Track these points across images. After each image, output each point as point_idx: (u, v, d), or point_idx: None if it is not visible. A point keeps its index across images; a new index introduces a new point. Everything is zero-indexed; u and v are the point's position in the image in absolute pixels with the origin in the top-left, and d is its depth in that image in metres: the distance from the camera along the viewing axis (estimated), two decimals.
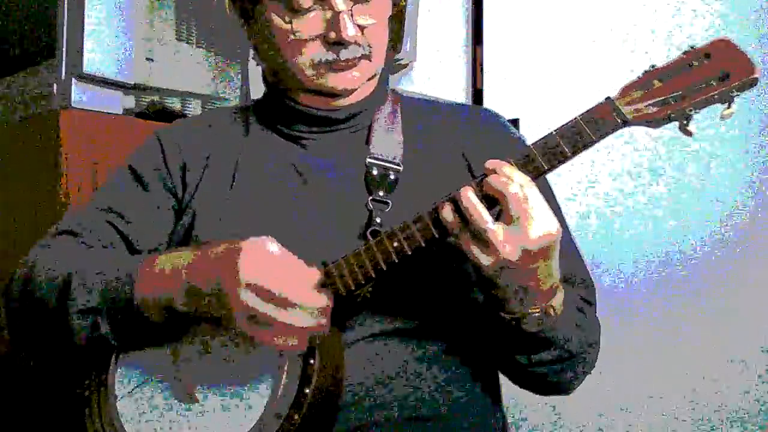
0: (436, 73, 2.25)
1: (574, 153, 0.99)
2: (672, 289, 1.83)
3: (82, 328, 1.08)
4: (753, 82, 0.94)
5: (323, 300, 0.99)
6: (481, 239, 0.97)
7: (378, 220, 1.14)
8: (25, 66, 1.99)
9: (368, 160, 1.20)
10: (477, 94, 2.15)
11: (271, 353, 1.03)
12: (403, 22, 2.11)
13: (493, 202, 0.99)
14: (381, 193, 1.17)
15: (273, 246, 0.99)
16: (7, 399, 1.85)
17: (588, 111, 0.99)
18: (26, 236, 1.85)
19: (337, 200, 1.19)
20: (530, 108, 2.05)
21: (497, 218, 0.98)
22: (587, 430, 1.92)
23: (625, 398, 1.86)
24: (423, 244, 1.03)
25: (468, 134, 1.26)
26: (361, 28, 1.16)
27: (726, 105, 0.96)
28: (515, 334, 1.06)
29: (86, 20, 1.85)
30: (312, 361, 1.01)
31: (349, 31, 1.14)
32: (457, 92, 2.20)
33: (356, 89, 1.23)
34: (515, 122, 2.03)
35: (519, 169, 0.99)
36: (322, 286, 1.02)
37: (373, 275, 1.04)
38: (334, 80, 1.19)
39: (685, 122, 0.97)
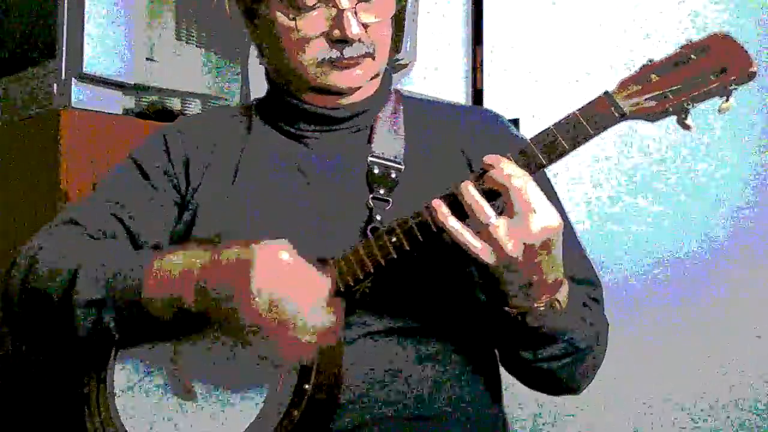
0: (436, 73, 2.25)
1: (573, 147, 0.99)
2: (671, 289, 1.83)
3: (86, 320, 1.07)
4: (751, 76, 0.94)
5: (332, 317, 0.99)
6: (483, 235, 0.98)
7: (378, 217, 1.15)
8: (25, 66, 1.99)
9: (370, 158, 1.20)
10: (477, 94, 2.15)
11: None
12: (403, 22, 2.11)
13: (491, 197, 0.99)
14: (382, 192, 1.18)
15: (286, 254, 0.98)
16: (7, 398, 1.85)
17: (586, 105, 1.00)
18: (26, 236, 1.86)
19: (338, 198, 1.19)
20: (530, 108, 2.05)
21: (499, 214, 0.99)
22: (587, 430, 1.91)
23: (625, 398, 1.85)
24: (421, 240, 1.03)
25: (469, 134, 1.26)
26: (365, 26, 1.17)
27: (724, 99, 0.96)
28: (520, 328, 1.06)
29: (86, 20, 1.85)
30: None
31: (354, 29, 1.14)
32: (457, 92, 2.20)
33: (360, 87, 1.23)
34: (515, 122, 2.03)
35: (517, 164, 0.99)
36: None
37: (372, 271, 1.05)
38: (337, 78, 1.19)
39: (683, 116, 0.97)
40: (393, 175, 1.19)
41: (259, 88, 2.11)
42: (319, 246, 1.07)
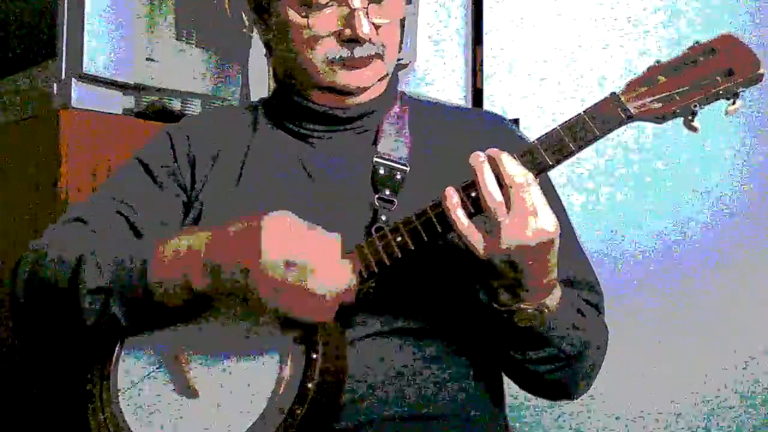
0: (436, 73, 2.25)
1: (579, 148, 1.00)
2: (668, 287, 1.84)
3: (92, 308, 1.07)
4: (758, 78, 0.95)
5: (348, 267, 1.00)
6: (487, 224, 0.98)
7: (383, 218, 1.15)
8: (25, 66, 1.99)
9: (375, 159, 1.20)
10: (477, 94, 2.16)
11: (272, 347, 1.04)
12: (404, 22, 2.11)
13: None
14: (387, 192, 1.18)
15: (292, 218, 0.99)
16: (11, 395, 1.85)
17: (593, 106, 1.00)
18: (26, 236, 1.86)
19: (343, 198, 1.19)
20: (530, 108, 2.06)
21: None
22: (587, 429, 1.92)
23: (624, 398, 1.86)
24: (426, 240, 1.03)
25: (474, 136, 1.26)
26: (376, 27, 1.17)
27: (731, 101, 0.96)
28: (510, 329, 1.06)
29: (86, 20, 1.84)
30: (314, 356, 1.01)
31: (365, 29, 1.15)
32: (457, 92, 2.21)
33: (368, 88, 1.24)
34: (515, 122, 2.03)
35: (523, 165, 0.99)
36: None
37: (376, 270, 1.05)
38: (346, 78, 1.20)
39: (690, 118, 0.98)
40: (398, 176, 1.20)
41: (259, 88, 2.13)
42: None
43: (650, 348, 1.83)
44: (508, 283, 1.02)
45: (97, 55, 1.87)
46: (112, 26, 1.89)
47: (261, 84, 2.14)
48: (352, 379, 1.08)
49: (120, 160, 1.81)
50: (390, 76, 1.29)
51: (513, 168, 0.97)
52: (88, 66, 1.86)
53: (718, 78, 0.96)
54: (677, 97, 0.97)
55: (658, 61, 0.99)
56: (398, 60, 2.15)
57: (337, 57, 1.18)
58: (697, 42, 0.98)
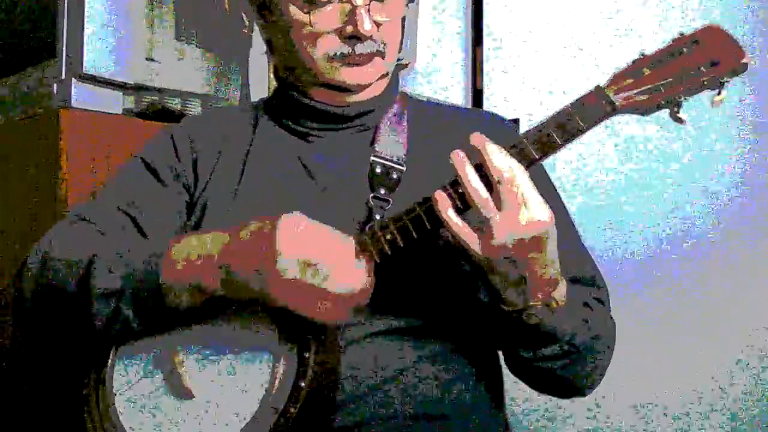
0: (436, 73, 2.25)
1: (565, 141, 0.99)
2: (667, 287, 1.83)
3: (103, 312, 1.07)
4: (743, 68, 0.94)
5: (363, 268, 1.00)
6: (478, 226, 0.97)
7: (378, 217, 1.15)
8: (25, 66, 2.00)
9: (372, 158, 1.21)
10: (477, 94, 2.16)
11: (266, 347, 1.04)
12: (404, 22, 2.11)
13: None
14: (383, 192, 1.18)
15: (306, 219, 1.00)
16: (7, 398, 1.85)
17: (577, 99, 0.99)
18: (26, 236, 1.87)
19: (340, 197, 1.20)
20: (530, 108, 2.06)
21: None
22: (587, 429, 1.91)
23: (624, 398, 1.85)
24: (415, 237, 1.03)
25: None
26: (377, 24, 1.18)
27: (716, 91, 0.96)
28: (518, 327, 1.05)
29: (86, 20, 1.85)
30: (307, 355, 1.01)
31: (366, 26, 1.15)
32: (457, 92, 2.21)
33: (368, 85, 1.24)
34: (515, 122, 2.03)
35: None
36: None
37: None
38: (347, 74, 1.20)
39: (675, 109, 0.97)
40: (394, 176, 1.20)
41: (259, 88, 2.13)
42: None
43: (650, 348, 1.82)
44: (511, 281, 1.01)
45: (97, 55, 1.88)
46: (112, 26, 1.90)
47: (261, 84, 2.14)
48: (351, 378, 1.08)
49: (120, 160, 1.82)
50: (390, 75, 1.30)
51: (500, 161, 0.97)
52: (88, 66, 1.87)
53: (703, 69, 0.95)
54: (662, 89, 0.96)
55: (642, 53, 0.99)
56: (398, 60, 2.16)
57: (338, 53, 1.18)
58: (681, 33, 0.97)
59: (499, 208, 0.96)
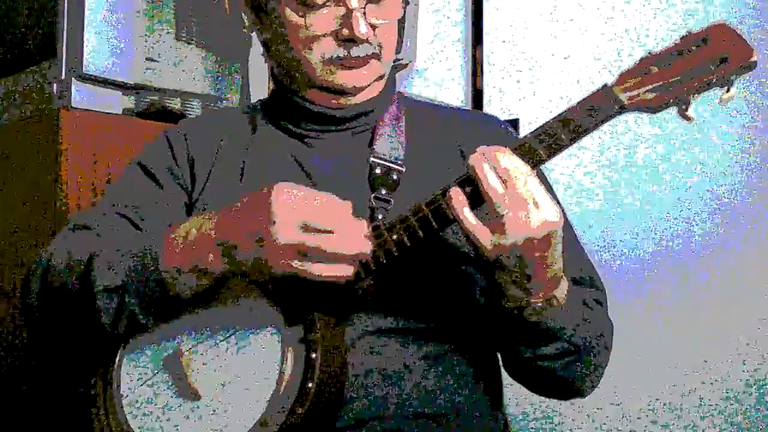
0: (436, 73, 2.25)
1: (572, 141, 0.99)
2: (666, 286, 1.83)
3: (109, 307, 1.07)
4: (751, 66, 0.94)
5: (363, 224, 1.00)
6: (491, 220, 0.97)
7: (380, 217, 1.15)
8: (25, 66, 2.00)
9: (372, 159, 1.21)
10: (477, 94, 2.16)
11: (273, 347, 1.03)
12: (404, 22, 2.11)
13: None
14: (383, 192, 1.18)
15: (297, 185, 1.00)
16: (15, 399, 1.85)
17: (585, 98, 0.99)
18: (26, 236, 1.88)
19: (340, 198, 1.18)
20: (530, 108, 2.06)
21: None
22: (587, 429, 1.91)
23: (623, 397, 1.85)
24: (422, 236, 1.03)
25: (469, 137, 1.26)
26: (373, 27, 1.18)
27: (725, 89, 0.95)
28: (518, 325, 1.05)
29: (86, 20, 1.85)
30: (314, 356, 1.01)
31: (362, 29, 1.15)
32: (457, 92, 2.21)
33: (365, 87, 1.24)
34: (515, 122, 2.04)
35: None
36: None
37: (373, 268, 1.04)
38: (343, 77, 1.20)
39: (684, 107, 0.97)
40: (394, 176, 1.20)
41: (259, 88, 2.13)
42: None
43: (649, 349, 1.82)
44: (516, 278, 1.01)
45: (97, 55, 1.88)
46: (112, 26, 1.90)
47: (261, 84, 2.14)
48: (351, 377, 1.07)
49: (120, 160, 1.83)
50: (387, 76, 1.29)
51: (509, 162, 0.97)
52: (88, 66, 1.87)
53: (711, 66, 0.95)
54: (670, 87, 0.96)
55: (650, 52, 0.99)
56: (398, 60, 2.17)
57: (335, 56, 1.18)
58: (689, 31, 0.97)
59: (510, 207, 0.96)
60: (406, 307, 1.13)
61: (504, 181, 0.96)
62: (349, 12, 1.15)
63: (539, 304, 1.03)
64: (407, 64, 2.23)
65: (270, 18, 1.23)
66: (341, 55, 1.18)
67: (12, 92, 2.03)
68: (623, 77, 0.99)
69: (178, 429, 1.08)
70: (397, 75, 2.24)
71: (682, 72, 0.96)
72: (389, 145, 1.23)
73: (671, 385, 1.81)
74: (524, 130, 1.42)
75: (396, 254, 1.04)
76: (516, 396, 1.81)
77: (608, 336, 1.18)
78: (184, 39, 2.07)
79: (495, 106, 2.11)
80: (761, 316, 1.72)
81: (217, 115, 1.55)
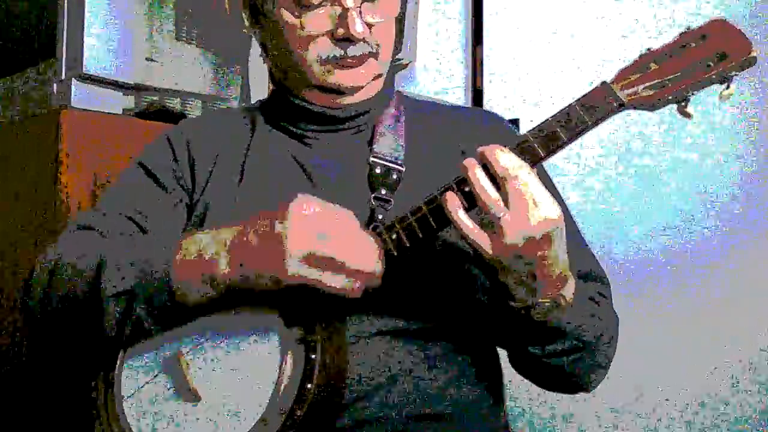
0: (436, 73, 2.25)
1: (571, 139, 0.98)
2: (664, 286, 1.83)
3: (116, 313, 1.07)
4: (751, 62, 0.93)
5: (374, 241, 1.01)
6: (487, 224, 0.97)
7: (380, 217, 1.14)
8: (25, 66, 2.00)
9: (371, 159, 1.20)
10: (477, 94, 2.16)
11: (272, 348, 1.03)
12: (404, 22, 2.11)
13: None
14: (383, 192, 1.18)
15: (315, 198, 1.01)
16: (16, 402, 1.85)
17: (583, 96, 0.99)
18: (26, 236, 1.88)
19: (340, 198, 1.18)
20: (530, 108, 2.06)
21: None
22: (587, 429, 1.91)
23: (622, 397, 1.85)
24: (421, 236, 1.03)
25: (469, 135, 1.26)
26: (369, 25, 1.17)
27: (725, 86, 0.95)
28: (526, 324, 1.05)
29: (86, 20, 1.85)
30: (314, 356, 1.00)
31: (358, 28, 1.15)
32: (457, 92, 2.21)
33: (363, 87, 1.24)
34: (515, 122, 2.04)
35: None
36: None
37: None
38: (341, 77, 1.20)
39: (683, 104, 0.96)
40: (394, 176, 1.19)
41: (259, 89, 2.13)
42: None
43: (650, 346, 1.82)
44: (521, 279, 1.00)
45: (97, 55, 1.88)
46: (112, 26, 1.90)
47: (261, 84, 2.14)
48: (352, 378, 1.07)
49: (120, 160, 1.82)
50: (386, 75, 1.29)
51: (506, 160, 0.96)
52: (88, 66, 1.87)
53: (710, 63, 0.94)
54: (669, 84, 0.96)
55: (649, 48, 0.98)
56: (398, 60, 2.17)
57: (331, 56, 1.18)
58: (688, 27, 0.97)
59: (507, 207, 0.96)
60: (406, 307, 1.13)
61: (503, 180, 0.96)
62: (345, 11, 1.15)
63: (547, 304, 1.02)
64: (407, 64, 2.23)
65: (266, 20, 1.23)
66: (338, 55, 1.18)
67: (12, 92, 2.03)
68: (622, 74, 0.99)
69: (178, 430, 1.07)
70: (397, 75, 2.24)
71: (681, 69, 0.96)
72: (389, 144, 1.23)
73: (672, 383, 1.81)
74: (524, 131, 1.42)
75: (395, 255, 1.03)
76: (516, 395, 1.82)
77: (614, 330, 1.17)
78: (184, 39, 2.07)
79: (495, 106, 2.11)
80: (763, 317, 1.72)
81: (217, 115, 1.54)
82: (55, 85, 1.89)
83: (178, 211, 1.26)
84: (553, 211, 0.97)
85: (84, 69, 1.86)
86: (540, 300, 1.02)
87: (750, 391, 1.72)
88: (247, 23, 1.30)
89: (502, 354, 1.24)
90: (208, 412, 1.06)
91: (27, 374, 1.82)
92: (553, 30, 2.06)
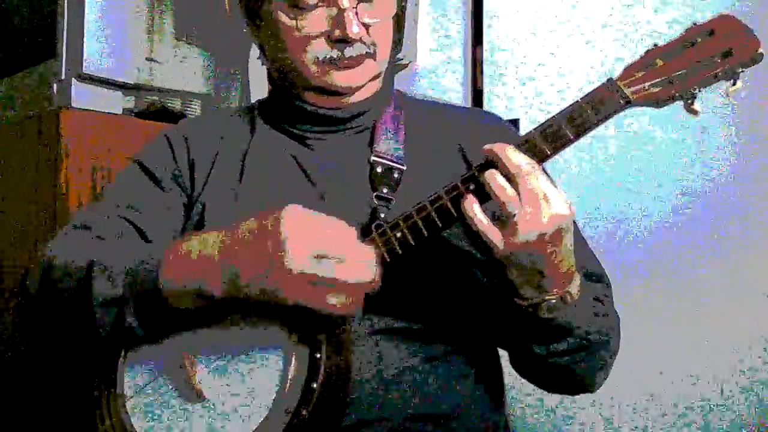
0: (436, 73, 2.25)
1: (577, 136, 0.98)
2: (663, 286, 1.83)
3: (106, 319, 1.05)
4: (758, 58, 0.93)
5: (370, 252, 0.98)
6: (497, 220, 0.97)
7: (382, 215, 1.14)
8: (25, 66, 2.00)
9: (372, 158, 1.20)
10: (477, 94, 2.15)
11: (276, 348, 1.03)
12: (403, 22, 2.11)
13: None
14: (385, 191, 1.18)
15: (307, 211, 0.97)
16: (18, 402, 1.85)
17: (589, 93, 0.99)
18: (26, 236, 1.87)
19: (342, 199, 1.19)
20: (530, 108, 2.06)
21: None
22: (587, 429, 1.91)
23: (622, 398, 1.85)
24: (426, 234, 1.02)
25: (469, 135, 1.26)
26: (366, 26, 1.17)
27: (731, 82, 0.95)
28: (532, 322, 1.05)
29: (86, 20, 1.85)
30: (318, 356, 1.00)
31: (354, 29, 1.14)
32: (457, 92, 2.20)
33: (360, 87, 1.23)
34: (515, 122, 2.04)
35: None
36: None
37: None
38: (338, 78, 1.20)
39: (689, 101, 0.96)
40: (395, 175, 1.19)
41: (259, 89, 2.13)
42: None
43: (649, 345, 1.82)
44: (529, 275, 1.00)
45: (97, 55, 1.88)
46: (112, 26, 1.91)
47: (261, 84, 2.13)
48: (355, 377, 1.06)
49: (120, 160, 1.83)
50: (384, 74, 1.29)
51: (517, 158, 0.96)
52: (88, 66, 1.87)
53: (717, 59, 0.94)
54: (676, 81, 0.95)
55: (655, 45, 0.98)
56: (398, 60, 2.17)
57: (328, 57, 1.18)
58: (694, 23, 0.96)
59: (520, 204, 0.96)
60: (408, 307, 1.13)
61: (514, 177, 0.96)
62: (341, 12, 1.15)
63: (553, 301, 1.02)
64: (407, 64, 2.23)
65: (263, 22, 1.23)
66: (334, 56, 1.18)
67: (12, 92, 2.03)
68: (628, 71, 0.98)
69: (182, 430, 1.07)
70: (397, 75, 2.24)
71: (688, 65, 0.95)
72: (389, 143, 1.23)
73: (672, 382, 1.81)
74: (524, 131, 1.42)
75: (400, 253, 1.03)
76: (516, 395, 1.82)
77: (618, 330, 1.17)
78: (184, 39, 2.08)
79: (495, 106, 2.10)
80: (763, 317, 1.72)
81: (217, 115, 1.54)
82: (55, 85, 1.89)
83: (176, 210, 1.25)
84: (565, 207, 0.97)
85: (84, 69, 1.86)
86: (546, 297, 1.02)
87: (751, 389, 1.72)
88: (244, 25, 1.30)
89: (503, 354, 1.24)
90: (211, 411, 1.06)
91: (28, 373, 1.82)
92: (553, 30, 2.06)
